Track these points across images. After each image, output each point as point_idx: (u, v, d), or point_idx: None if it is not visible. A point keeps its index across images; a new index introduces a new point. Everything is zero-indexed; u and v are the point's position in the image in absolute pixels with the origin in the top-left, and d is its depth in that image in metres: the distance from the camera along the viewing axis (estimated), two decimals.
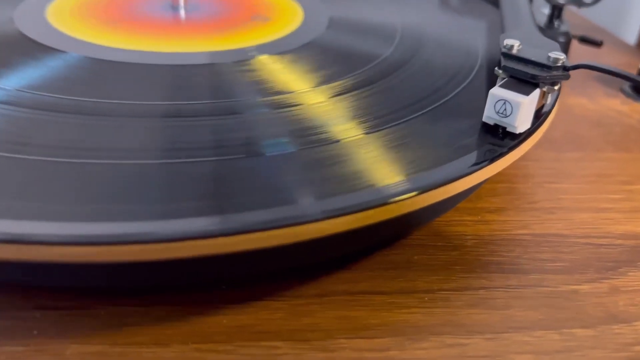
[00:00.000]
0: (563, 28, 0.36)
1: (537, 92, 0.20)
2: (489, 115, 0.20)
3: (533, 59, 0.20)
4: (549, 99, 0.21)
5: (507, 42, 0.21)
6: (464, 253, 0.21)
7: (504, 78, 0.20)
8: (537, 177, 0.26)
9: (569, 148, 0.29)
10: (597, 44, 0.36)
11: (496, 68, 0.21)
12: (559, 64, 0.20)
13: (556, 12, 0.35)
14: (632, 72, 0.38)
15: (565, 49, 0.36)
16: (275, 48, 0.27)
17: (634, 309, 0.19)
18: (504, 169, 0.21)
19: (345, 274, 0.19)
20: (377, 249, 0.21)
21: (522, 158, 0.27)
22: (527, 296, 0.19)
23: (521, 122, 0.20)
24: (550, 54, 0.20)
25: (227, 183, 0.17)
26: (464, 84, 0.25)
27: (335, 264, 0.20)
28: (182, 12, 0.30)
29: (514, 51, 0.20)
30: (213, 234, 0.15)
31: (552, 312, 0.19)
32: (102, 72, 0.23)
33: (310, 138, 0.20)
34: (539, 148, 0.28)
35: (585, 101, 0.34)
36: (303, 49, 0.27)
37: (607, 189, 0.26)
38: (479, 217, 0.23)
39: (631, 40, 0.54)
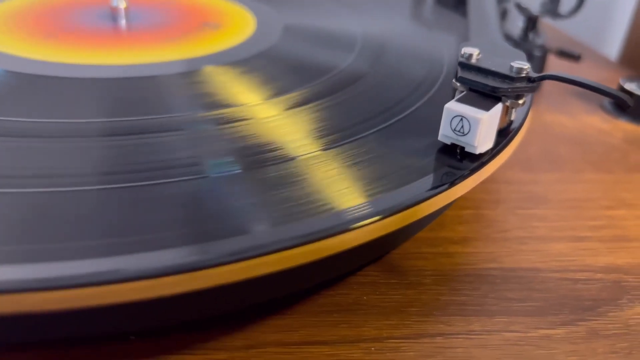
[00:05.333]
0: (539, 41, 0.33)
1: (499, 107, 0.17)
2: (445, 133, 0.17)
3: (493, 69, 0.17)
4: (514, 115, 0.19)
5: (465, 50, 0.18)
6: (421, 292, 0.18)
7: (462, 91, 0.18)
8: (508, 202, 0.23)
9: (545, 168, 0.26)
10: (575, 57, 0.34)
11: (453, 80, 0.18)
12: (523, 75, 0.17)
13: (530, 24, 0.33)
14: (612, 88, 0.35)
15: (542, 62, 0.34)
16: (225, 58, 0.24)
17: (614, 357, 0.16)
18: (470, 193, 0.18)
19: (279, 320, 0.17)
20: (320, 289, 0.18)
21: (492, 180, 0.24)
22: (491, 344, 0.16)
23: (481, 141, 0.17)
24: (513, 64, 0.17)
25: (156, 212, 0.15)
26: (426, 97, 0.22)
27: (267, 308, 0.17)
28: (123, 22, 0.28)
29: (473, 60, 0.18)
30: (119, 279, 0.12)
31: None
32: (28, 87, 0.21)
33: (258, 157, 0.17)
34: (511, 169, 0.26)
35: (564, 118, 0.32)
36: (255, 59, 0.24)
37: (586, 215, 0.23)
38: (441, 249, 0.20)
39: (612, 55, 0.52)
